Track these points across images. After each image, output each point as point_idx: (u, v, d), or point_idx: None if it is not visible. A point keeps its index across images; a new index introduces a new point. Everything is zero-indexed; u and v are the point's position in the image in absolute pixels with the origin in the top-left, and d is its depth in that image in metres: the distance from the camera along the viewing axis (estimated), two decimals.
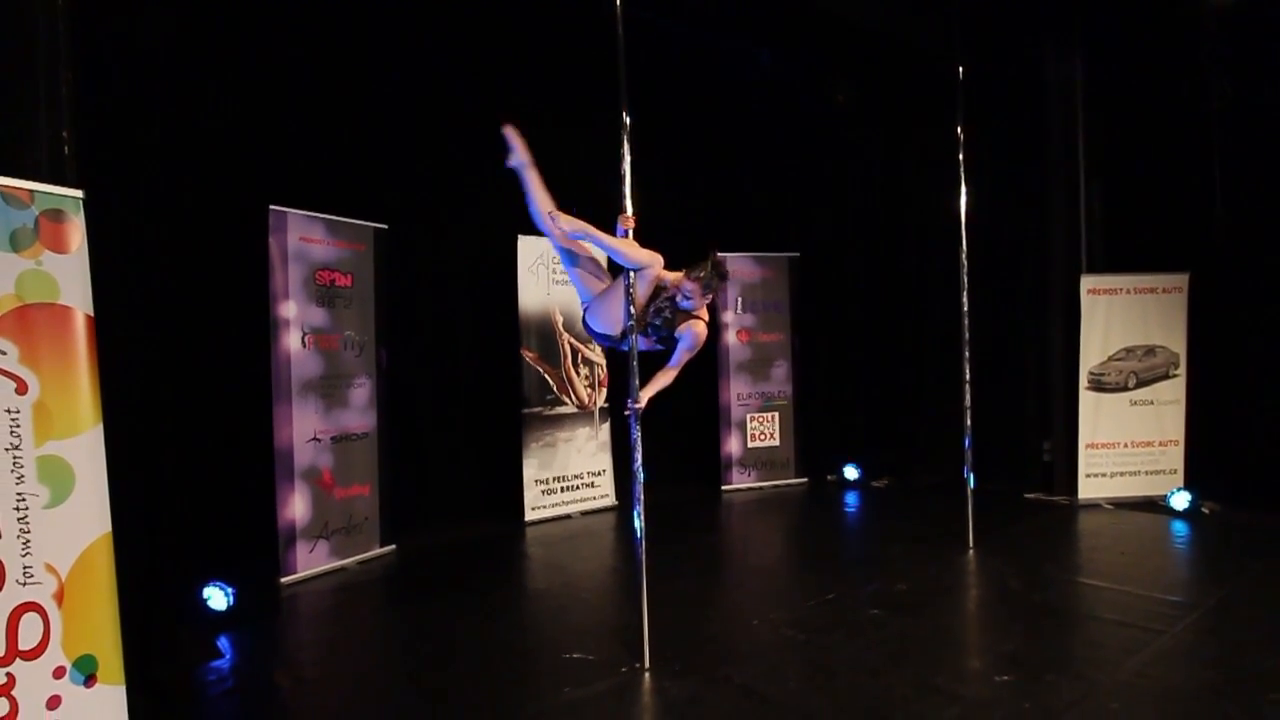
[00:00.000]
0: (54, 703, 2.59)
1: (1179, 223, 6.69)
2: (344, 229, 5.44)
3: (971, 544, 5.35)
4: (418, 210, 6.26)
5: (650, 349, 3.86)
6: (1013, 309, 7.27)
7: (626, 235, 3.68)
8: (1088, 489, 6.58)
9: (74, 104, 3.26)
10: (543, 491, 6.58)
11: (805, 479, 7.90)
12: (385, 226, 5.73)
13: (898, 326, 8.08)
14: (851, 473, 7.79)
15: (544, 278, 6.63)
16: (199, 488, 4.78)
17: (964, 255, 5.37)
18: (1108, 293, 6.58)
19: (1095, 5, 6.71)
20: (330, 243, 5.34)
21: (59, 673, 2.60)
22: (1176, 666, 3.51)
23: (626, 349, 3.68)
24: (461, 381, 6.63)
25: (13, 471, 2.54)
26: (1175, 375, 6.55)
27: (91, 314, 2.73)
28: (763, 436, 7.81)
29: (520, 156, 3.72)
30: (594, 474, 6.92)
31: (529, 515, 6.47)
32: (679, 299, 3.74)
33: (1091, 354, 6.60)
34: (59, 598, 2.62)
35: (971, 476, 5.38)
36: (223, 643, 4.08)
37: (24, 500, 2.56)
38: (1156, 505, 6.34)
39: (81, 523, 2.68)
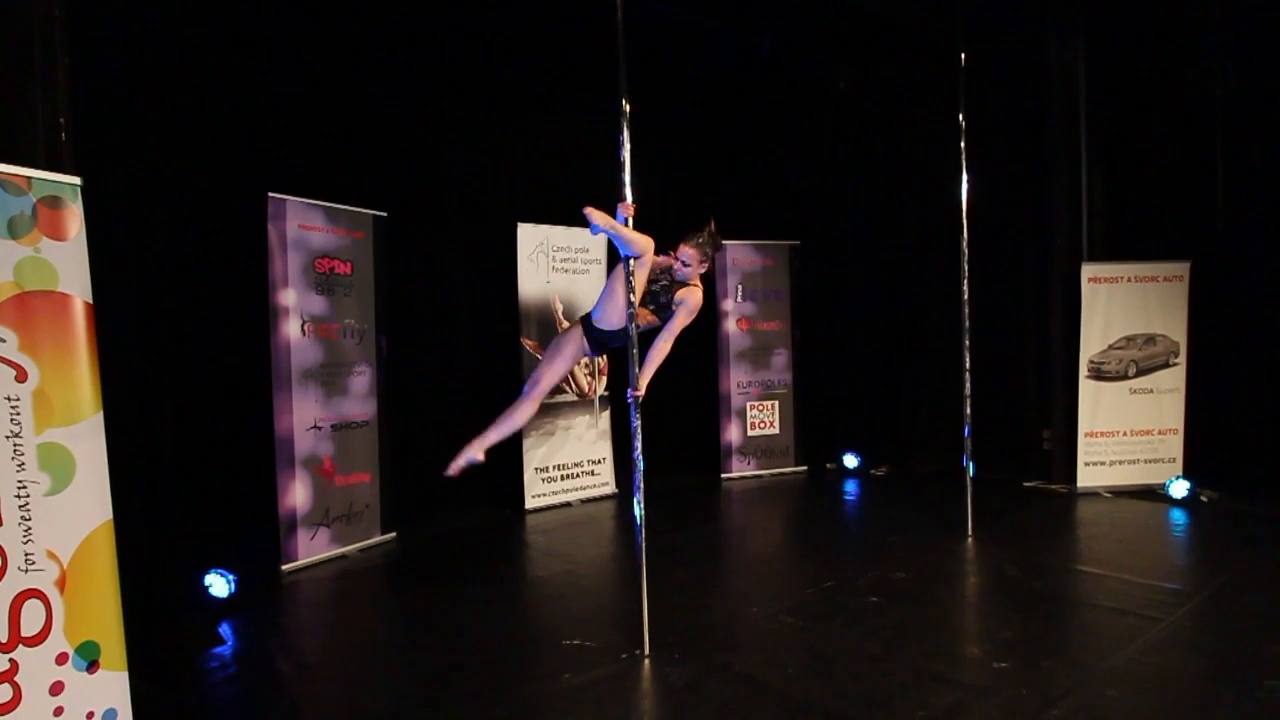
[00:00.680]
0: (57, 689, 2.60)
1: (1180, 211, 6.67)
2: (343, 216, 5.43)
3: (970, 532, 5.37)
4: (417, 198, 6.24)
5: (648, 326, 3.88)
6: (1013, 297, 7.26)
7: (626, 223, 3.66)
8: (1087, 477, 6.59)
9: (71, 90, 3.25)
10: (543, 479, 6.59)
11: (805, 467, 7.91)
12: (385, 214, 5.72)
13: (898, 315, 8.07)
14: (851, 461, 7.80)
15: (544, 266, 6.62)
16: (200, 475, 4.79)
17: (964, 243, 5.35)
18: (1108, 281, 6.57)
19: None
20: (330, 230, 5.32)
21: (61, 659, 2.61)
22: (1174, 653, 3.52)
23: (627, 340, 3.68)
24: (461, 369, 6.63)
25: (13, 459, 2.54)
26: (1175, 364, 6.55)
27: (90, 301, 2.73)
28: (762, 424, 7.82)
29: (602, 224, 3.57)
30: (594, 462, 6.94)
31: (529, 503, 6.49)
32: (676, 270, 3.83)
33: (1092, 342, 6.59)
34: (61, 584, 2.62)
35: (971, 465, 5.39)
36: (224, 629, 4.11)
37: (25, 488, 2.56)
38: (1155, 493, 6.35)
39: (82, 510, 2.68)
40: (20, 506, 2.55)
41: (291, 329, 5.06)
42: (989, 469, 6.70)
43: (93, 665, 2.68)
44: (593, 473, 6.93)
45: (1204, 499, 6.12)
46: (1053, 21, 6.83)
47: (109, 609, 2.73)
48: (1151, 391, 6.56)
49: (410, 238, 6.14)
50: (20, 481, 2.55)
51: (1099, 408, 6.58)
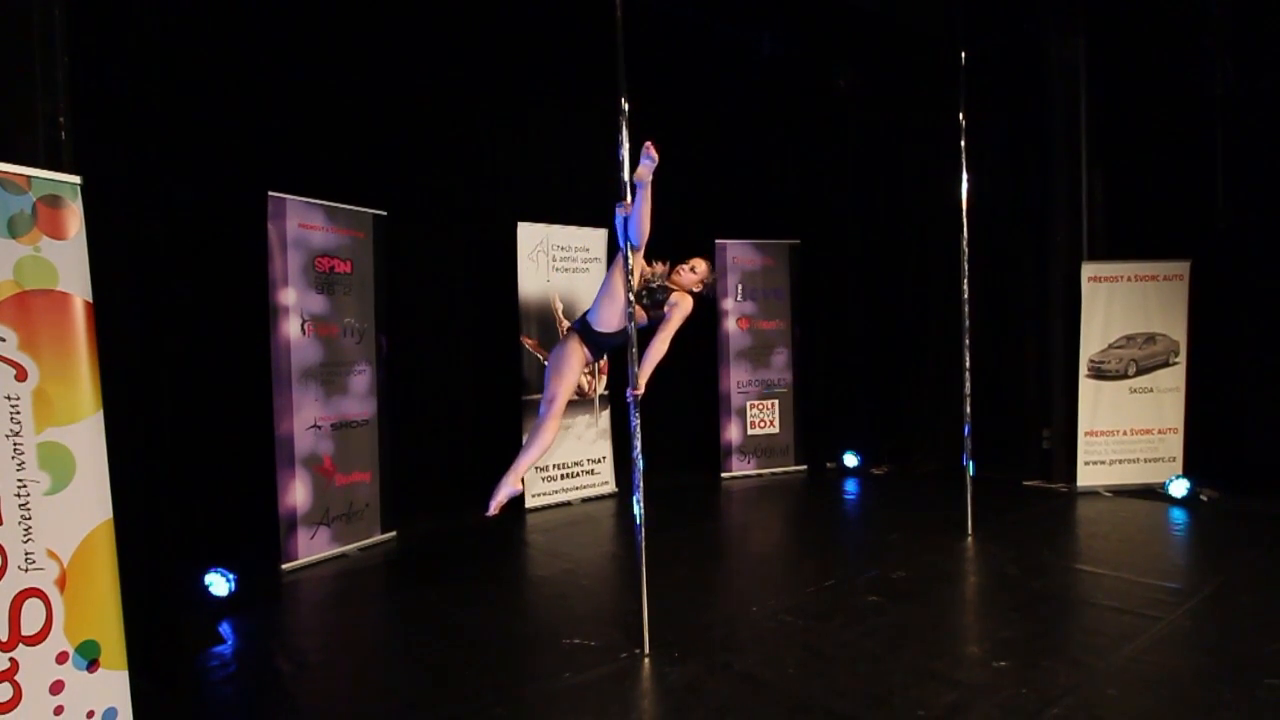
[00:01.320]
0: (57, 688, 2.60)
1: (1180, 210, 6.67)
2: (343, 215, 5.43)
3: (970, 531, 5.37)
4: (417, 197, 6.24)
5: (640, 325, 3.89)
6: (1013, 296, 7.25)
7: (625, 223, 3.66)
8: (1086, 476, 6.60)
9: (71, 88, 3.24)
10: (543, 478, 6.59)
11: (805, 466, 7.91)
12: (385, 213, 5.72)
13: (898, 314, 8.07)
14: (851, 460, 7.80)
15: (544, 264, 6.62)
16: (200, 474, 4.78)
17: (965, 242, 5.35)
18: (1109, 280, 6.57)
19: None
20: (329, 229, 5.32)
21: (62, 658, 2.62)
22: (1174, 652, 3.53)
23: (627, 340, 3.68)
24: (461, 368, 6.63)
25: (13, 458, 2.54)
26: (1175, 363, 6.55)
27: (90, 300, 2.73)
28: (762, 423, 7.82)
29: (645, 182, 3.51)
30: (594, 461, 6.94)
31: (529, 502, 6.49)
32: (680, 275, 3.92)
33: (1092, 341, 6.59)
34: (61, 583, 2.62)
35: (971, 464, 5.39)
36: (224, 628, 4.11)
37: (24, 487, 2.56)
38: (1155, 492, 6.35)
39: (82, 509, 2.68)
40: (20, 505, 2.55)
41: (291, 328, 5.06)
42: (989, 468, 6.70)
43: (93, 664, 2.68)
44: (592, 472, 6.93)
45: (1204, 498, 6.13)
46: (1053, 21, 6.83)
47: (109, 608, 2.73)
48: (1151, 391, 6.56)
49: (410, 237, 6.14)
50: (20, 480, 2.55)
51: (1099, 407, 6.58)
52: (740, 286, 7.71)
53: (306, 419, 5.13)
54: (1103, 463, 6.60)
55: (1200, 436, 6.57)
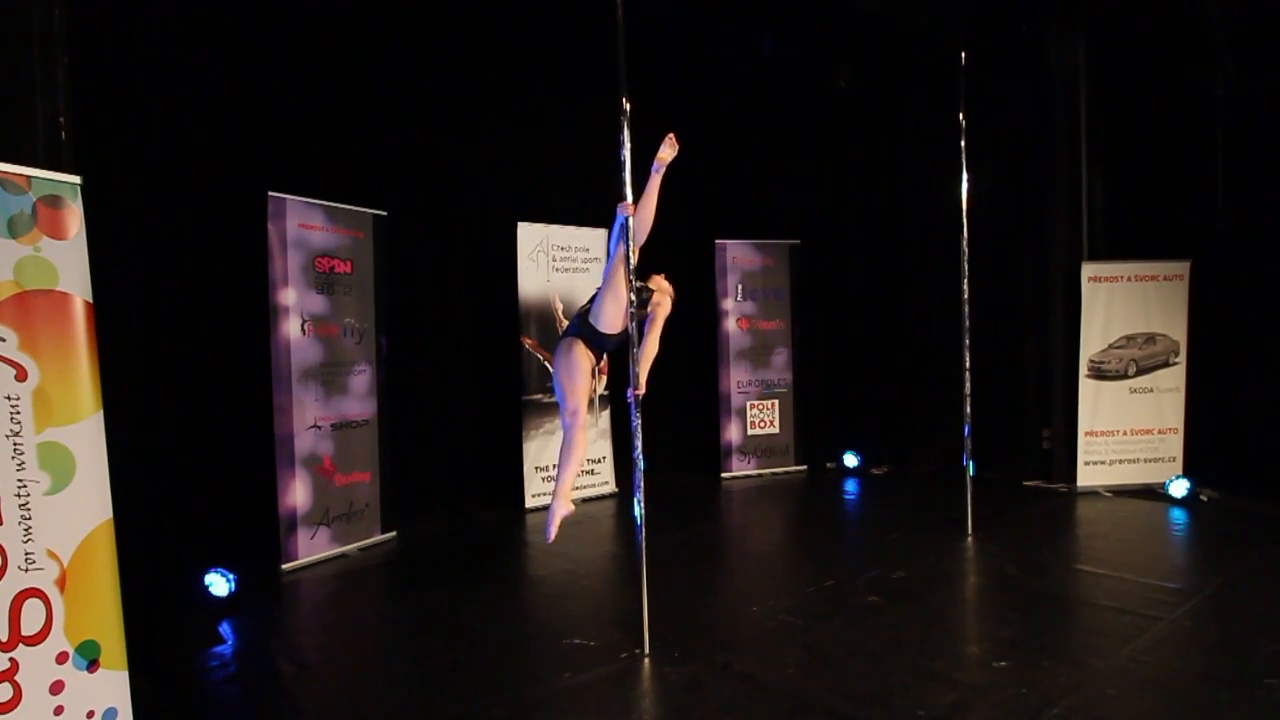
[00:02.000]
0: (57, 688, 2.60)
1: (1180, 210, 6.67)
2: (343, 215, 5.43)
3: (970, 531, 5.37)
4: (417, 197, 6.24)
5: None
6: (1013, 296, 7.25)
7: (626, 222, 3.66)
8: (1086, 476, 6.60)
9: (71, 88, 3.24)
10: (543, 478, 6.59)
11: (805, 466, 7.91)
12: (384, 213, 5.72)
13: (898, 314, 8.07)
14: (851, 460, 7.80)
15: (544, 265, 6.62)
16: (200, 474, 4.79)
17: (965, 242, 5.35)
18: (1109, 280, 6.57)
19: None
20: (329, 229, 5.32)
21: (62, 658, 2.62)
22: (1173, 653, 3.53)
23: (628, 340, 3.68)
24: (461, 368, 6.63)
25: (13, 458, 2.54)
26: (1175, 363, 6.55)
27: (90, 300, 2.73)
28: (762, 424, 7.82)
29: (665, 164, 3.64)
30: (594, 461, 6.94)
31: (529, 502, 6.49)
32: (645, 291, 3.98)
33: (1092, 341, 6.59)
34: (61, 584, 2.62)
35: (971, 464, 5.39)
36: (224, 628, 4.11)
37: (25, 487, 2.56)
38: (1155, 492, 6.35)
39: (83, 509, 2.68)
40: (20, 506, 2.55)
41: (291, 328, 5.06)
42: (989, 468, 6.71)
43: (93, 664, 2.68)
44: (593, 472, 6.93)
45: (1204, 498, 6.13)
46: (1053, 21, 6.83)
47: (109, 608, 2.73)
48: (1151, 391, 6.56)
49: (410, 237, 6.14)
50: (20, 480, 2.55)
51: (1099, 407, 6.58)
52: (740, 286, 7.71)
53: (306, 419, 5.13)
54: (1103, 463, 6.59)
55: (1200, 436, 6.57)
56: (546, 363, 6.60)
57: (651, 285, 4.00)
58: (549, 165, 6.99)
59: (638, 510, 3.67)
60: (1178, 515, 5.88)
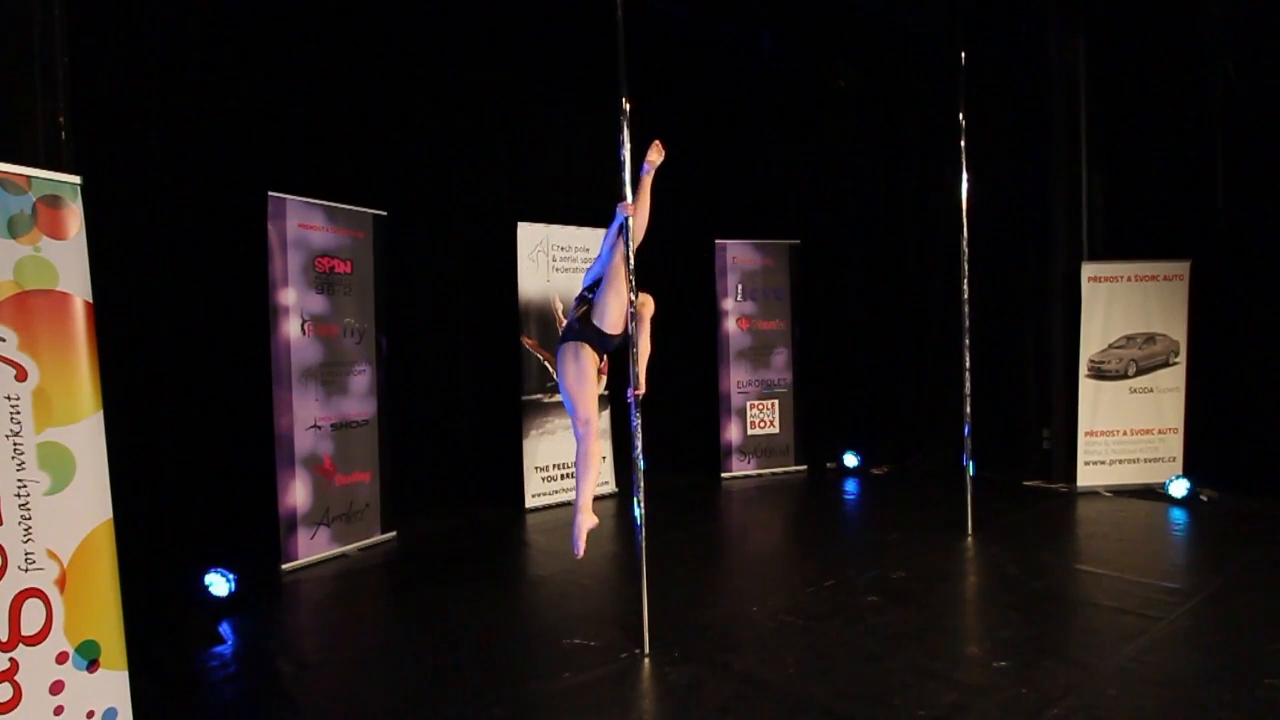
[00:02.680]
0: (57, 688, 2.60)
1: (1181, 210, 6.67)
2: (343, 216, 5.43)
3: (970, 531, 5.37)
4: (417, 197, 6.24)
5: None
6: (1013, 296, 7.25)
7: (626, 222, 3.66)
8: (1086, 476, 6.59)
9: (71, 89, 3.25)
10: (543, 478, 6.59)
11: (805, 466, 7.91)
12: (384, 213, 5.72)
13: (898, 314, 8.06)
14: (851, 460, 7.80)
15: (544, 264, 6.62)
16: (200, 475, 4.79)
17: (965, 242, 5.35)
18: (1109, 280, 6.57)
19: None
20: (329, 229, 5.32)
21: (62, 658, 2.62)
22: (1173, 653, 3.52)
23: (628, 339, 3.68)
24: (461, 368, 6.63)
25: (13, 458, 2.54)
26: (1175, 363, 6.55)
27: (90, 300, 2.73)
28: (762, 424, 7.82)
29: (653, 167, 3.76)
30: None
31: (529, 502, 6.49)
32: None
33: (1092, 341, 6.59)
34: (61, 584, 2.62)
35: (971, 464, 5.39)
36: (224, 628, 4.11)
37: (25, 487, 2.56)
38: (1155, 492, 6.35)
39: (83, 509, 2.68)
40: (20, 506, 2.55)
41: (291, 328, 5.06)
42: (989, 468, 6.71)
43: (93, 664, 2.68)
44: None
45: (1204, 498, 6.12)
46: (1053, 21, 6.83)
47: (109, 608, 2.73)
48: (1151, 391, 6.56)
49: (410, 237, 6.14)
50: (20, 480, 2.55)
51: (1099, 407, 6.58)
52: (740, 287, 7.71)
53: (306, 419, 5.13)
54: (1103, 463, 6.59)
55: (1200, 436, 6.56)
56: (546, 363, 6.60)
57: (640, 295, 3.98)
58: (549, 165, 6.99)
59: (638, 510, 3.67)
60: (1178, 515, 5.88)
